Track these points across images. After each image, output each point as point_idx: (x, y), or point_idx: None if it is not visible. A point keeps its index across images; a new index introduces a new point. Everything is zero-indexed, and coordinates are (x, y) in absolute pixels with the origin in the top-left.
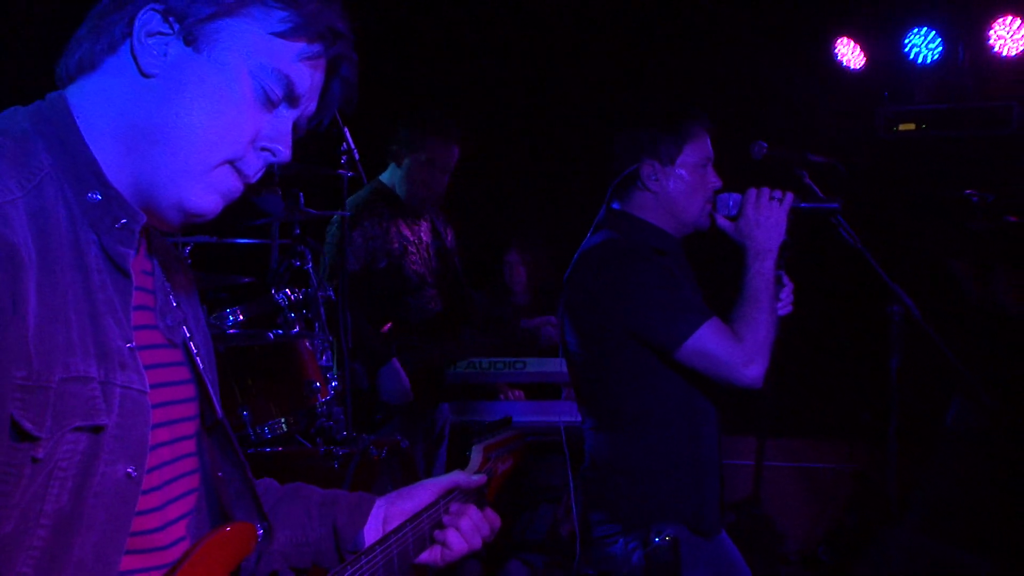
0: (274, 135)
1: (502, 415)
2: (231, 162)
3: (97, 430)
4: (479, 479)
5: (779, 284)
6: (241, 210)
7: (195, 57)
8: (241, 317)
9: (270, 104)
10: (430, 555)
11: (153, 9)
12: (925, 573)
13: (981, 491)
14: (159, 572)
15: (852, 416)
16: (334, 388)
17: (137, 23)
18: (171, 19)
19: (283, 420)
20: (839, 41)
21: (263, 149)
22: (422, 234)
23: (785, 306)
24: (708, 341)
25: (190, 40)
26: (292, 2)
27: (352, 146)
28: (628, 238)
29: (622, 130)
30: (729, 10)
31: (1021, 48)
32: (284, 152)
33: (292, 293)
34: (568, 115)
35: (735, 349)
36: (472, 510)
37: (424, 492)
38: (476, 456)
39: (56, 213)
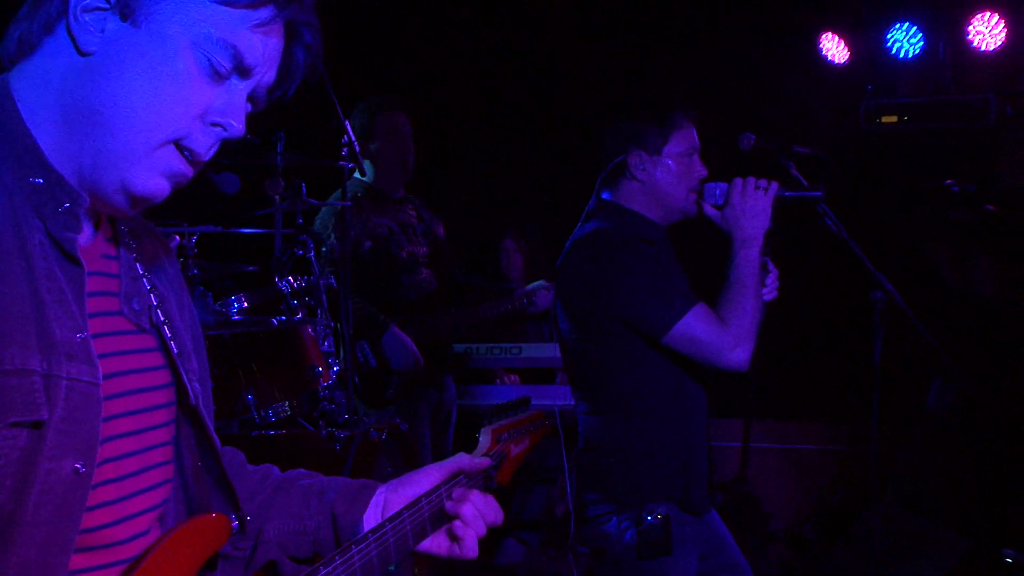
0: (225, 109)
1: (499, 399)
2: (176, 141)
3: (37, 425)
4: (482, 462)
5: (764, 271)
6: (241, 202)
7: (133, 32)
8: (246, 304)
9: (218, 76)
10: (432, 543)
11: None
12: (906, 549)
13: (960, 469)
14: (116, 569)
15: (836, 399)
16: (336, 372)
17: (72, 0)
18: None
19: (287, 403)
20: (824, 36)
21: (214, 124)
22: (407, 219)
23: (771, 292)
24: (695, 327)
25: (127, 14)
26: None
27: (352, 138)
28: (617, 228)
29: (611, 122)
30: (719, 7)
31: (999, 43)
32: (237, 127)
33: (295, 281)
34: (563, 107)
35: (721, 334)
36: (475, 495)
37: (427, 478)
38: (484, 439)
39: None
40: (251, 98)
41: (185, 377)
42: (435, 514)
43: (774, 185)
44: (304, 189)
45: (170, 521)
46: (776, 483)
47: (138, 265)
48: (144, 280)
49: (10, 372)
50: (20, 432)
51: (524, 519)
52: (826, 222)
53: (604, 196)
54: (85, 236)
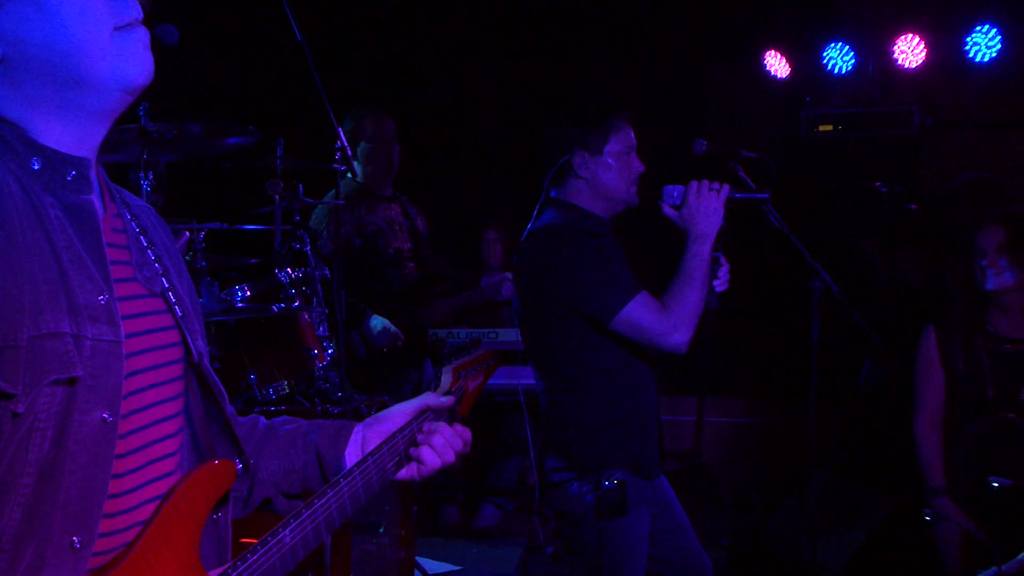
0: None
1: None
2: (115, 28)
3: (72, 382)
4: (448, 399)
5: (717, 264)
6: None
7: (14, 9)
8: (248, 293)
9: None
10: (407, 471)
11: None
12: (840, 511)
13: (888, 440)
14: (149, 507)
15: (779, 378)
16: (330, 355)
17: None
18: None
19: (286, 383)
20: (767, 54)
21: None
22: (393, 216)
23: (723, 284)
24: (637, 313)
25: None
26: None
27: (345, 144)
28: (565, 223)
29: (555, 126)
30: (675, 28)
31: (920, 61)
32: None
33: (293, 272)
34: (540, 106)
35: (662, 319)
36: (443, 427)
37: (398, 414)
38: (446, 378)
39: (8, 186)
40: None
41: (189, 337)
42: (409, 446)
43: (726, 187)
44: (301, 189)
45: (184, 466)
46: (726, 454)
47: (142, 238)
48: (149, 251)
49: (47, 335)
50: (58, 389)
51: (500, 486)
52: (771, 219)
53: (552, 194)
54: (98, 209)
